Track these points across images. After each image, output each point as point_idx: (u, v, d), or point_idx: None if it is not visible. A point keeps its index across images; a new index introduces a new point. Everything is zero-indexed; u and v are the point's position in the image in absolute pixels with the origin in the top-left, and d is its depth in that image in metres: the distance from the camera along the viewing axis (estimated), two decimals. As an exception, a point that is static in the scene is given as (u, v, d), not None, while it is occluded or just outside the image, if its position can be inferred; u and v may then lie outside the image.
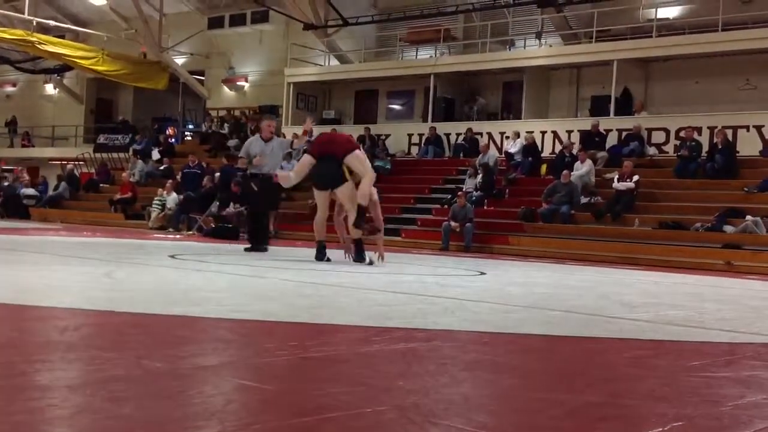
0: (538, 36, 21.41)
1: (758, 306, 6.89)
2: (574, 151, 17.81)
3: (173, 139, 28.03)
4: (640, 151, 17.77)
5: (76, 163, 27.23)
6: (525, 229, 16.37)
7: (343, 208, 9.32)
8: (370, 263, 8.92)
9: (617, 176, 16.33)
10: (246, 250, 10.64)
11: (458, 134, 20.95)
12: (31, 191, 25.12)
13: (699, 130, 17.24)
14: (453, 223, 16.15)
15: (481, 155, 18.94)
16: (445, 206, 17.56)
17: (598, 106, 19.65)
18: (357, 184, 9.04)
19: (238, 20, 26.49)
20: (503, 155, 19.38)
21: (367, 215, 9.21)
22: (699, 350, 3.96)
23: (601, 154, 18.04)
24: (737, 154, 16.48)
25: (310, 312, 4.64)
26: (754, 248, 13.59)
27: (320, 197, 9.37)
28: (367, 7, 23.93)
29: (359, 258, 9.02)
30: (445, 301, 5.53)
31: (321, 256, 9.20)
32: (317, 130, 23.02)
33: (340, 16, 22.70)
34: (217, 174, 19.15)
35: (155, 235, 16.29)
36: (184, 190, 19.14)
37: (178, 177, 21.00)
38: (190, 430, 1.97)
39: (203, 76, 28.55)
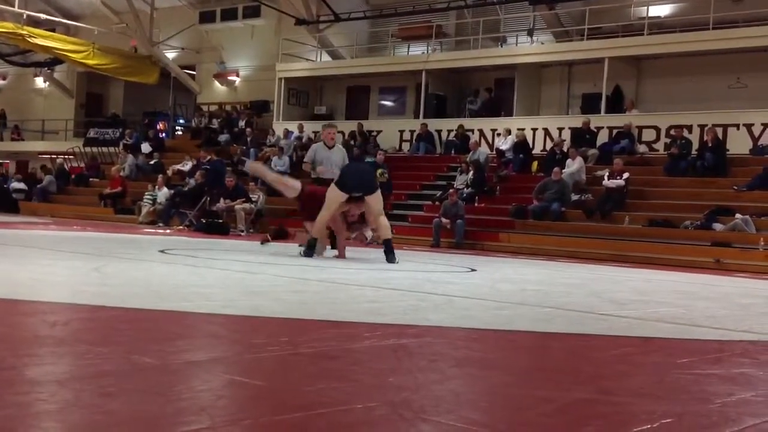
0: (530, 33, 21.41)
1: (747, 304, 6.92)
2: (565, 149, 17.84)
3: (164, 134, 27.94)
4: (631, 148, 17.82)
5: (66, 157, 27.11)
6: (516, 226, 16.40)
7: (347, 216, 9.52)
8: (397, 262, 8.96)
9: (608, 174, 16.37)
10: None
11: (450, 131, 20.96)
12: (20, 185, 25.01)
13: (689, 128, 17.29)
14: (444, 220, 16.17)
15: (471, 152, 18.96)
16: (437, 203, 17.57)
17: (589, 104, 19.68)
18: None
19: (229, 15, 26.39)
20: (494, 152, 19.40)
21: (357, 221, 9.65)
22: (688, 347, 3.98)
23: (592, 151, 18.07)
24: (727, 153, 16.53)
25: (301, 308, 4.64)
26: (743, 246, 13.64)
27: (337, 200, 9.12)
28: (359, 3, 23.88)
29: (391, 258, 9.02)
30: (436, 298, 5.53)
31: (310, 253, 9.17)
32: (309, 126, 23.16)
33: (332, 11, 22.66)
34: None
35: (145, 230, 16.25)
36: (207, 184, 18.72)
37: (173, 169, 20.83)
38: (180, 426, 1.97)
39: (194, 70, 28.44)
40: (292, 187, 9.82)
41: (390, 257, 9.02)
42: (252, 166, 9.58)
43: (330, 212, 9.16)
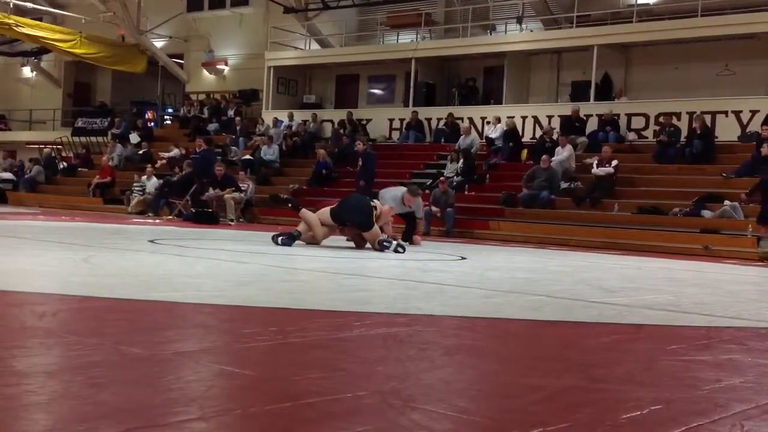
0: (519, 21, 21.39)
1: (735, 290, 6.96)
2: (555, 137, 17.85)
3: (152, 123, 27.80)
4: (617, 136, 17.85)
5: (54, 147, 26.98)
6: (505, 214, 16.41)
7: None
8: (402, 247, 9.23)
9: (596, 161, 16.39)
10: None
11: (439, 119, 20.95)
12: (7, 175, 24.87)
13: (678, 115, 17.33)
14: (434, 208, 16.15)
15: (464, 136, 18.92)
16: (426, 191, 17.55)
17: (579, 92, 19.69)
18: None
19: (217, 3, 26.23)
20: (484, 140, 19.40)
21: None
22: (677, 334, 3.99)
23: (581, 139, 18.10)
24: (715, 140, 16.58)
25: (291, 297, 4.63)
26: (731, 233, 13.69)
27: (327, 222, 9.41)
28: (348, -9, 23.80)
29: (396, 247, 9.23)
30: (426, 286, 5.53)
31: (288, 242, 9.12)
32: (298, 115, 23.09)
33: (320, -1, 22.58)
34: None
35: (134, 220, 16.20)
36: (196, 174, 18.51)
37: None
38: (170, 416, 1.96)
39: (182, 59, 28.30)
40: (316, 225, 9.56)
41: (396, 247, 9.18)
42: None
43: (317, 222, 9.40)
